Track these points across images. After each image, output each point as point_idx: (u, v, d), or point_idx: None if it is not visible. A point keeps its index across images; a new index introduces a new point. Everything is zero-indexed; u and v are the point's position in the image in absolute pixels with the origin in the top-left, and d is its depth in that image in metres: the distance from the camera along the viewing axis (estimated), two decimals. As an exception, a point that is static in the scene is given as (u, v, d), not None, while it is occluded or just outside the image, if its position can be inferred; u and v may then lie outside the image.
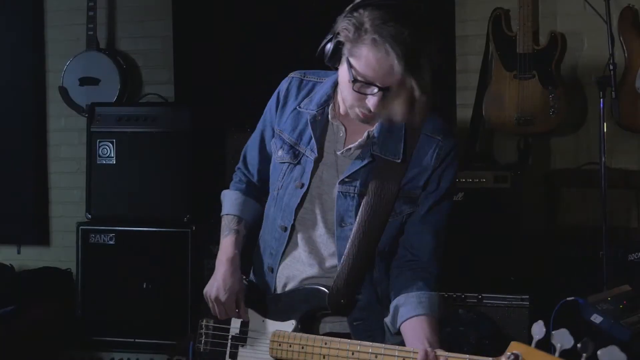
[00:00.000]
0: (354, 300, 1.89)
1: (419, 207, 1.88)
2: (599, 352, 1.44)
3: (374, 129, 1.88)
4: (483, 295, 3.19)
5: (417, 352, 1.69)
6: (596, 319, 2.24)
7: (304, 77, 2.02)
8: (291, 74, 2.04)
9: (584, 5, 3.53)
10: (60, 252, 4.37)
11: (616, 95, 3.19)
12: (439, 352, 1.68)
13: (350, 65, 1.75)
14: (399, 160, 1.86)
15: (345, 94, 1.83)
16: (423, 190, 1.88)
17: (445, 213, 1.90)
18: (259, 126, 2.10)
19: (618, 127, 3.51)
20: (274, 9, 3.95)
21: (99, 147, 3.80)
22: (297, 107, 1.98)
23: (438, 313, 1.83)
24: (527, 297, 3.14)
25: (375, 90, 1.74)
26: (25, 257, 4.41)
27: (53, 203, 4.45)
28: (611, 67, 3.18)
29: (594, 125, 3.47)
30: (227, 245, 2.03)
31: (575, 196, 3.49)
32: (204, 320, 2.08)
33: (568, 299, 2.33)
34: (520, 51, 3.65)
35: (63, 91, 4.22)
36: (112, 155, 3.79)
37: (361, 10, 1.73)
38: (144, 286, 3.66)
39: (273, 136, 2.04)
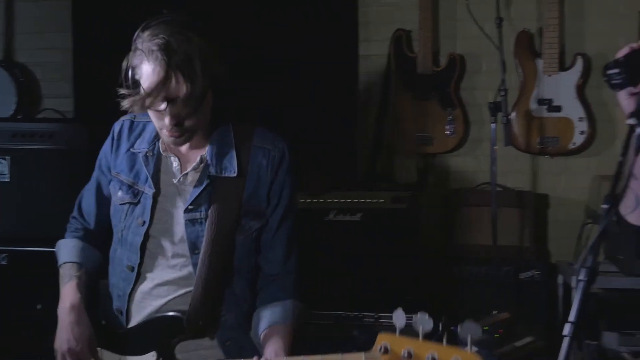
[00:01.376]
0: (213, 320, 1.92)
1: (269, 221, 1.96)
2: (458, 329, 1.56)
3: (206, 152, 1.94)
4: (380, 314, 3.23)
5: None
6: (471, 349, 2.28)
7: (135, 118, 2.06)
8: (122, 118, 2.08)
9: (482, 29, 3.62)
10: (-46, 270, 4.20)
11: (507, 120, 3.29)
12: (280, 358, 1.77)
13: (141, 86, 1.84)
14: (235, 175, 1.92)
15: (152, 120, 1.90)
16: (268, 205, 1.95)
17: (294, 223, 1.99)
18: (95, 173, 2.12)
19: (513, 148, 3.61)
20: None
21: (-7, 163, 3.68)
22: (131, 149, 2.02)
23: (293, 320, 1.91)
24: (423, 316, 3.19)
25: (163, 104, 1.81)
26: None
27: (-53, 219, 4.28)
28: (502, 93, 3.27)
29: (490, 145, 3.56)
30: (68, 292, 1.99)
31: (472, 216, 3.57)
32: None
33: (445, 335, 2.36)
34: (420, 72, 3.72)
35: (-43, 105, 4.07)
36: (6, 173, 3.66)
37: (137, 38, 1.85)
38: (38, 307, 3.55)
39: (110, 180, 2.05)
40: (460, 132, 3.71)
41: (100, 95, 3.95)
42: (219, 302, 1.92)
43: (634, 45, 1.45)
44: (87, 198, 2.13)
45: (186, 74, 1.77)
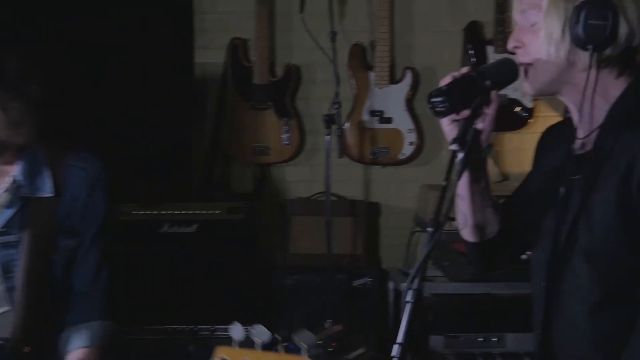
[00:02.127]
0: (41, 345, 1.86)
1: (83, 239, 1.94)
2: (294, 336, 1.71)
3: (17, 171, 1.88)
4: (216, 327, 3.19)
5: None
6: (308, 354, 2.31)
7: None
8: None
9: (316, 42, 3.67)
10: None
11: (341, 132, 3.37)
12: None
13: None
14: (51, 195, 1.88)
15: None
16: (82, 223, 1.93)
17: (106, 241, 1.99)
18: None
19: (347, 158, 3.70)
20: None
21: None
22: None
23: (99, 342, 1.90)
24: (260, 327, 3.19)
25: None
26: None
27: None
28: (336, 106, 3.35)
29: (325, 156, 3.62)
30: None
31: (308, 225, 3.62)
32: None
33: (282, 345, 2.37)
34: (256, 82, 3.72)
35: None
36: None
37: None
38: None
39: None
40: (296, 142, 3.75)
41: None
42: (44, 325, 1.87)
43: (456, 74, 1.52)
44: None
45: None
